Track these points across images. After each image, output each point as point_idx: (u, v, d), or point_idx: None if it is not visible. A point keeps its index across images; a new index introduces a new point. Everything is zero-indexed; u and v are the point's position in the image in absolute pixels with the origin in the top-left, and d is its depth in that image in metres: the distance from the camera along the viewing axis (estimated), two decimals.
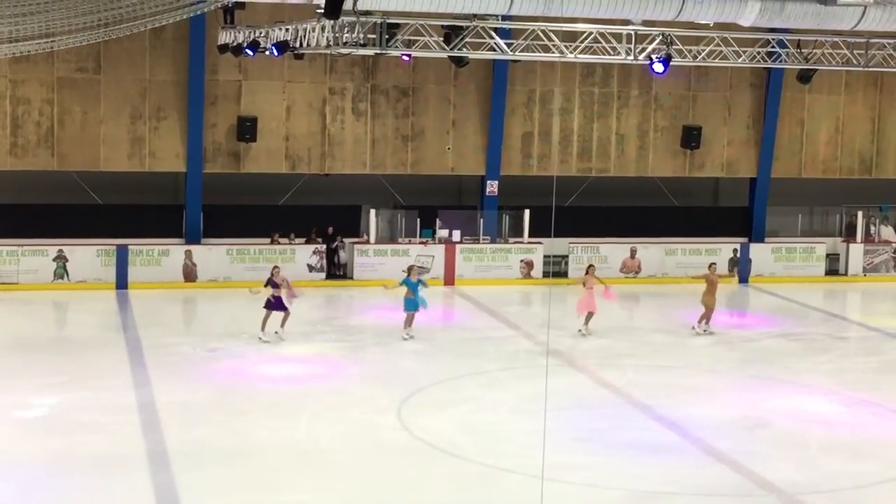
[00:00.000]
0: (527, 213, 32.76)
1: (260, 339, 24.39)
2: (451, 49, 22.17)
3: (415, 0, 18.21)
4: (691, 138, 34.27)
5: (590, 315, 25.77)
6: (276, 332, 24.54)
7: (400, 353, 24.18)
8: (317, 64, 31.97)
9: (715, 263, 27.63)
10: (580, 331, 25.66)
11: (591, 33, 22.83)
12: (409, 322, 25.14)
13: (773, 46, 25.39)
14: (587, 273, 26.07)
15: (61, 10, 22.05)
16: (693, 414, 19.88)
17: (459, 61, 23.75)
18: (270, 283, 24.76)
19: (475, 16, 21.49)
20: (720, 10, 19.09)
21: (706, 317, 26.23)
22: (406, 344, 24.77)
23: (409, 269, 25.87)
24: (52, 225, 30.78)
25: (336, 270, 32.37)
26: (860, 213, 35.26)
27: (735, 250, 34.07)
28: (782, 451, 18.18)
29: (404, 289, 25.16)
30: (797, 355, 25.07)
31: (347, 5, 17.85)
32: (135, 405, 19.66)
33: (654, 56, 22.40)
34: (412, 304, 25.07)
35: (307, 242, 32.00)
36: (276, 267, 25.50)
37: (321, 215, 32.61)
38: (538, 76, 33.39)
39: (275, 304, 24.55)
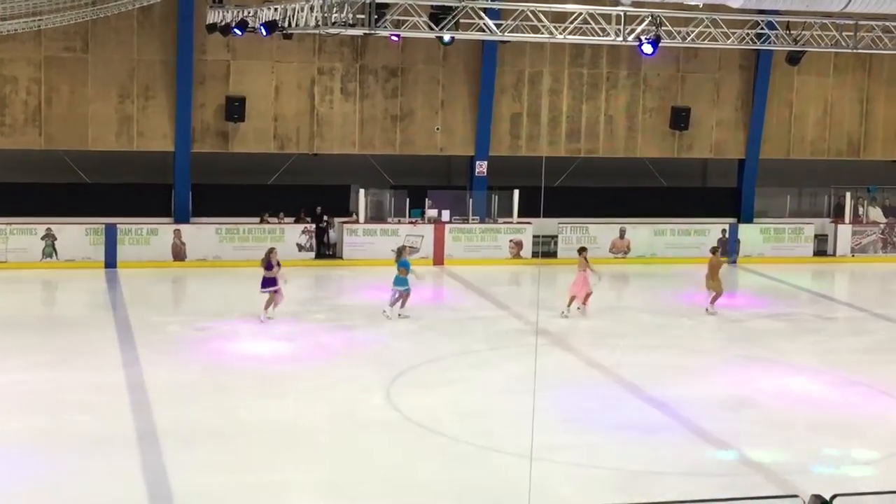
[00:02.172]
0: (516, 193, 32.77)
1: (261, 319, 24.40)
2: (440, 29, 22.13)
3: None
4: (680, 119, 34.28)
5: (587, 296, 25.78)
6: (259, 317, 24.55)
7: (388, 332, 24.20)
8: (305, 44, 31.89)
9: (718, 248, 27.79)
10: (578, 308, 25.70)
11: (580, 14, 22.80)
12: (403, 301, 25.14)
13: (762, 28, 25.40)
14: (581, 255, 25.98)
15: None
16: (681, 394, 19.95)
17: (443, 38, 23.61)
18: (267, 264, 24.70)
19: None
20: None
21: (716, 297, 26.34)
22: (395, 324, 24.77)
23: (401, 249, 25.87)
24: (41, 204, 30.73)
25: (325, 250, 32.37)
26: (848, 195, 35.34)
27: (724, 231, 34.15)
28: (769, 430, 18.27)
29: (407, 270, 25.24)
30: (785, 335, 25.15)
31: None
32: (123, 384, 19.67)
33: (643, 37, 22.37)
34: (402, 282, 25.07)
35: (296, 222, 31.98)
36: (272, 249, 25.42)
37: (310, 195, 32.58)
38: (527, 57, 33.37)
39: (271, 285, 24.54)
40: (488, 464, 16.44)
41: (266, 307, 24.57)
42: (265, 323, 24.36)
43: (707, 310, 26.44)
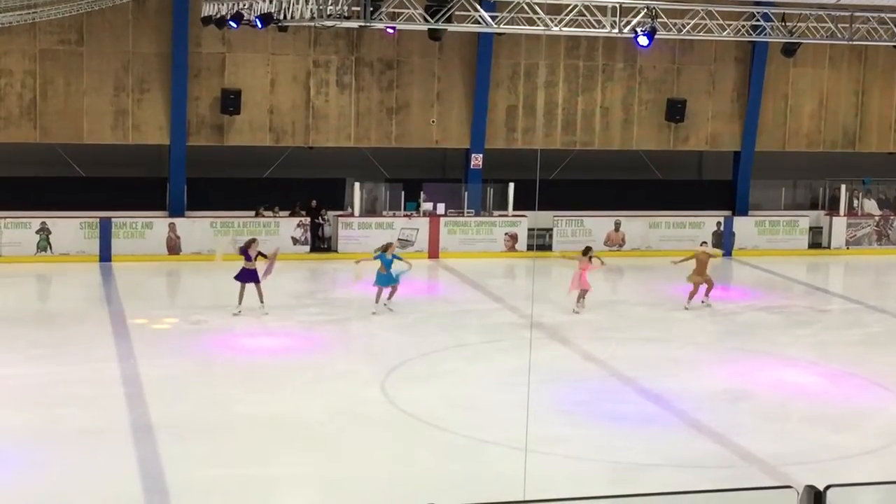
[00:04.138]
0: (511, 186, 32.76)
1: (235, 313, 24.28)
2: (435, 21, 22.08)
3: None
4: (676, 112, 34.26)
5: (583, 292, 25.72)
6: (261, 308, 24.49)
7: (383, 326, 24.20)
8: (301, 36, 31.85)
9: (706, 242, 27.77)
10: (574, 310, 25.57)
11: (575, 6, 22.75)
12: (378, 297, 25.05)
13: (757, 20, 25.40)
14: (585, 255, 25.81)
15: None
16: (676, 386, 19.97)
17: (434, 34, 23.52)
18: (244, 253, 24.62)
19: None
20: None
21: (693, 293, 26.25)
22: (389, 317, 24.76)
23: (387, 246, 25.69)
24: (35, 197, 30.68)
25: (320, 243, 32.36)
26: (843, 187, 35.35)
27: (719, 223, 34.16)
28: (764, 423, 18.31)
29: (376, 263, 25.13)
30: (780, 328, 25.17)
31: None
32: (118, 378, 19.66)
33: (638, 29, 22.34)
34: (383, 279, 24.98)
35: (291, 215, 31.96)
36: (254, 239, 25.40)
37: (305, 188, 32.55)
38: (523, 49, 33.31)
39: (247, 276, 24.48)
40: (483, 456, 16.45)
41: (240, 299, 24.40)
42: (238, 316, 24.25)
43: (703, 302, 26.42)
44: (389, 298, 25.13)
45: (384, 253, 25.04)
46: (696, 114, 34.76)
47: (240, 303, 24.42)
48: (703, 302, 26.45)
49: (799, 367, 21.89)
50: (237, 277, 24.54)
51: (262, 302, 24.48)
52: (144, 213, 31.09)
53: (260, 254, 24.69)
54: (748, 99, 34.88)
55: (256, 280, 24.46)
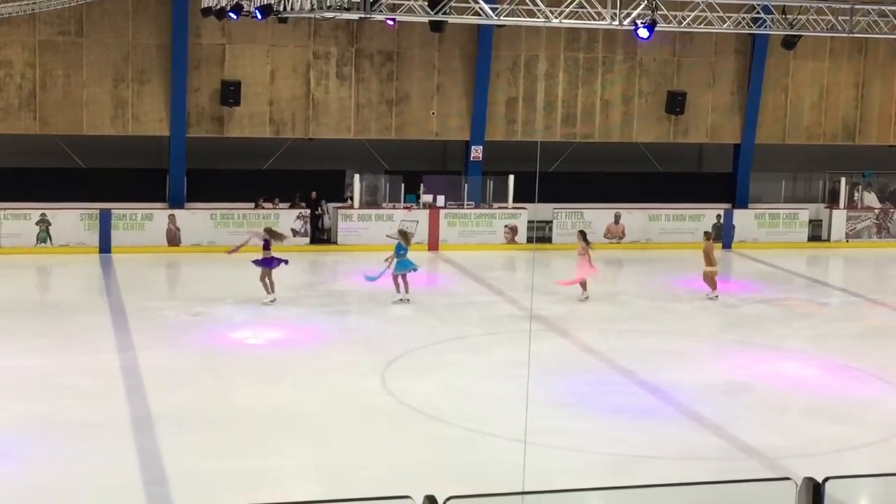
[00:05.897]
0: (511, 178, 32.75)
1: (265, 303, 24.47)
2: (435, 13, 22.06)
3: None
4: (676, 104, 34.24)
5: (584, 281, 25.77)
6: (266, 297, 24.57)
7: (383, 317, 24.21)
8: (301, 28, 31.82)
9: (709, 231, 27.84)
10: (582, 298, 25.62)
11: None
12: (399, 286, 25.13)
13: (757, 12, 25.38)
14: (582, 240, 25.91)
15: None
16: (675, 379, 19.98)
17: (436, 26, 23.53)
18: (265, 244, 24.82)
19: None
20: None
21: (713, 283, 26.30)
22: (390, 309, 24.77)
23: (403, 234, 25.87)
24: (35, 189, 30.66)
25: (320, 235, 32.37)
26: (843, 180, 35.33)
27: (718, 216, 34.16)
28: (763, 415, 18.31)
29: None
30: (779, 321, 25.17)
31: None
32: (118, 369, 19.67)
33: (638, 21, 22.30)
34: (400, 266, 25.11)
35: (291, 207, 31.96)
36: (266, 229, 25.54)
37: (305, 180, 32.54)
38: (523, 41, 33.30)
39: (270, 262, 24.59)
40: (482, 448, 16.47)
41: (270, 288, 24.58)
42: (269, 305, 24.43)
43: (707, 295, 26.36)
44: (406, 291, 25.10)
45: (402, 242, 25.18)
46: (696, 106, 34.74)
47: (270, 292, 24.50)
48: (712, 295, 26.31)
49: (798, 359, 21.90)
50: (258, 262, 24.62)
51: (268, 291, 24.55)
52: (144, 205, 31.09)
53: (275, 233, 24.97)
54: (748, 91, 34.86)
55: (275, 265, 24.55)
